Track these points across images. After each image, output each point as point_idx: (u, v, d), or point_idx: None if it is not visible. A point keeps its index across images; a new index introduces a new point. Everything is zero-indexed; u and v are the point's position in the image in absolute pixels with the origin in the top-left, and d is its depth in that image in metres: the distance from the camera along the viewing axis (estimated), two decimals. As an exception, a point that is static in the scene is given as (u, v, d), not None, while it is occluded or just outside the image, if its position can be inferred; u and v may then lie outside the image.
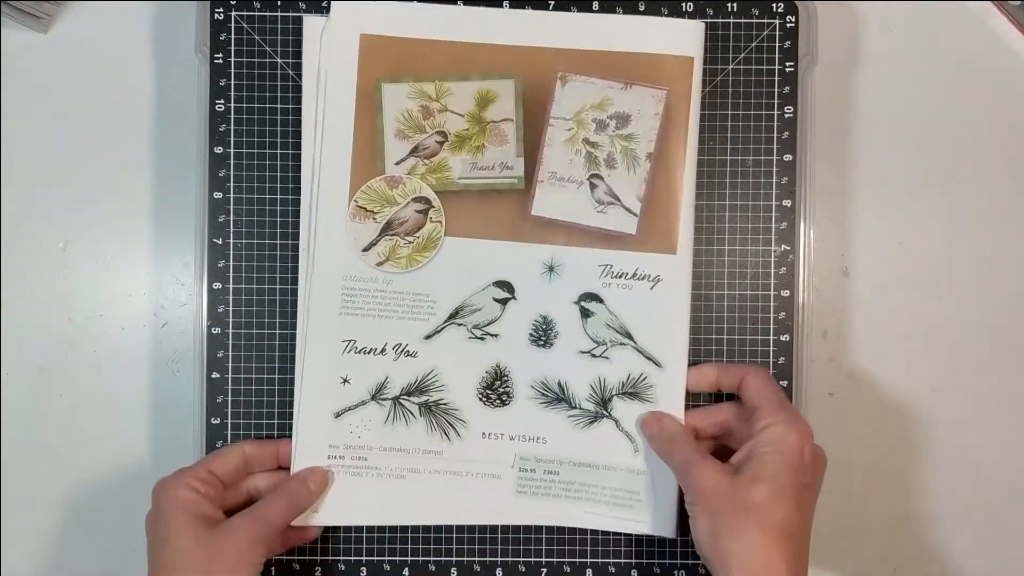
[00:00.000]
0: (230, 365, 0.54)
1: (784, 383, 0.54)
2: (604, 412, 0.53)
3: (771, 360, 0.54)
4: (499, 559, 0.54)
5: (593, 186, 0.52)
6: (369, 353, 0.53)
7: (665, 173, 0.52)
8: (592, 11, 0.53)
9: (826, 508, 0.50)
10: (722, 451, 0.52)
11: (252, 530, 0.48)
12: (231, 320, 0.54)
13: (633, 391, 0.53)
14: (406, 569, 0.54)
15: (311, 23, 0.53)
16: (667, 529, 0.53)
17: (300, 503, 0.51)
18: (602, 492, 0.53)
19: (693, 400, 0.54)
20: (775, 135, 0.54)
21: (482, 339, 0.53)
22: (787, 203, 0.54)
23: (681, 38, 0.52)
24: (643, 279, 0.52)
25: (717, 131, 0.54)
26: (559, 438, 0.53)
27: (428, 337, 0.53)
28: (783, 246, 0.54)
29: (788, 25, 0.54)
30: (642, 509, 0.53)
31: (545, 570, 0.54)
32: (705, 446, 0.52)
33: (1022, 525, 0.57)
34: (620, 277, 0.52)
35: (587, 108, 0.52)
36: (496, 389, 0.53)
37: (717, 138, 0.54)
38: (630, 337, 0.53)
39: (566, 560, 0.54)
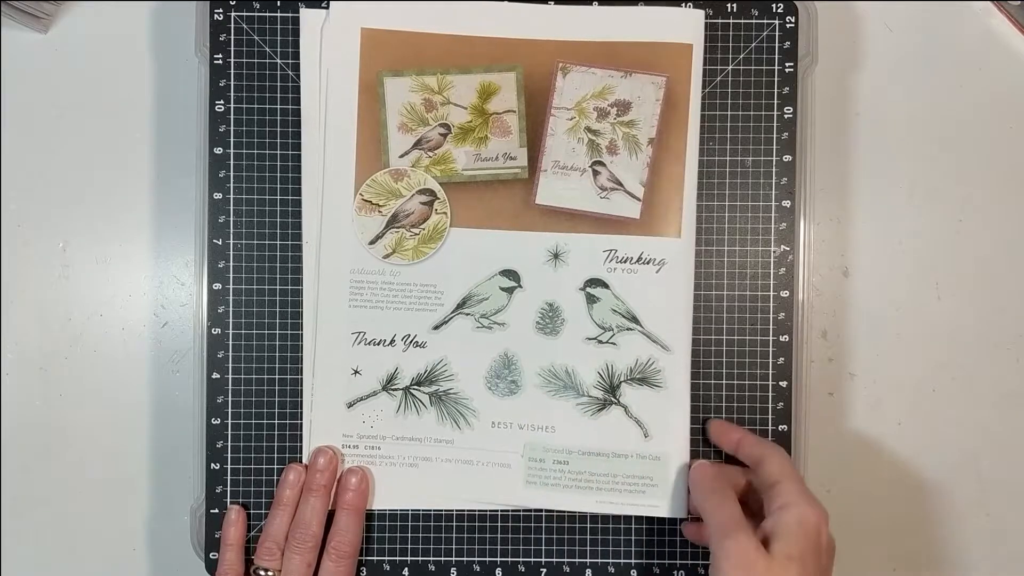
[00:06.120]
0: (230, 365, 0.54)
1: (784, 383, 0.54)
2: (613, 399, 0.53)
3: (771, 360, 0.54)
4: (498, 559, 0.54)
5: (596, 173, 0.53)
6: (379, 344, 0.53)
7: (667, 158, 0.53)
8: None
9: (827, 508, 0.50)
10: None
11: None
12: (231, 320, 0.54)
13: (642, 376, 0.53)
14: (406, 569, 0.54)
15: (308, 16, 0.53)
16: (680, 510, 0.53)
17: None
18: (614, 480, 0.53)
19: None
20: (775, 135, 0.54)
21: (490, 328, 0.53)
22: (787, 203, 0.54)
23: (680, 25, 0.53)
24: (648, 263, 0.53)
25: (717, 131, 0.54)
26: (567, 426, 0.53)
27: (436, 327, 0.53)
28: (783, 246, 0.54)
29: (788, 25, 0.54)
30: (656, 494, 0.53)
31: (544, 570, 0.54)
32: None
33: (1022, 525, 0.57)
34: (625, 262, 0.53)
35: (588, 97, 0.53)
36: (504, 378, 0.53)
37: (717, 138, 0.54)
38: (636, 321, 0.53)
39: (565, 560, 0.54)
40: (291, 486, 0.52)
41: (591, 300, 0.53)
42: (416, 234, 0.53)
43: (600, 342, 0.53)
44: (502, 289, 0.53)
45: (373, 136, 0.53)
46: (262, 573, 0.51)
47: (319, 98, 0.53)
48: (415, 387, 0.54)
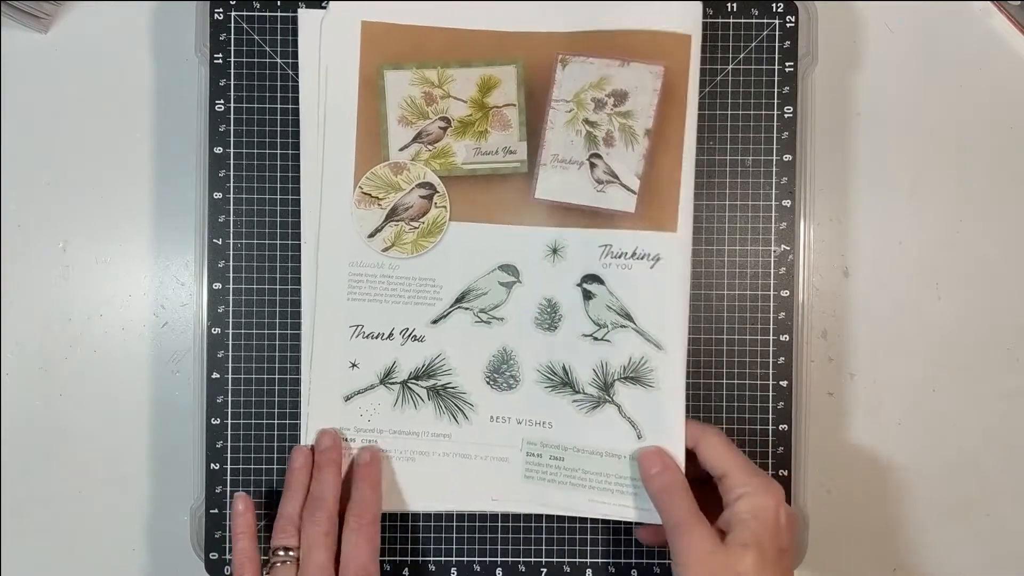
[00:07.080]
0: (230, 365, 0.54)
1: (784, 383, 0.54)
2: (607, 397, 0.53)
3: (771, 360, 0.54)
4: (499, 559, 0.54)
5: (593, 165, 0.52)
6: (377, 338, 0.53)
7: (664, 150, 0.52)
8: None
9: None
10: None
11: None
12: (231, 320, 0.54)
13: (635, 375, 0.52)
14: (406, 569, 0.54)
15: (306, 16, 0.53)
16: None
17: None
18: (606, 480, 0.53)
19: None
20: (775, 135, 0.54)
21: (488, 323, 0.53)
22: (787, 203, 0.54)
23: (679, 16, 0.52)
24: (643, 258, 0.52)
25: (717, 131, 0.54)
26: (564, 423, 0.53)
27: (435, 321, 0.53)
28: (783, 246, 0.54)
29: (788, 25, 0.54)
30: (645, 497, 0.52)
31: (545, 570, 0.54)
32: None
33: (1022, 525, 0.57)
34: (620, 257, 0.52)
35: (586, 88, 0.52)
36: (503, 373, 0.53)
37: (717, 138, 0.54)
38: (630, 319, 0.52)
39: (566, 560, 0.54)
40: (300, 469, 0.52)
41: (587, 296, 0.53)
42: (415, 228, 0.53)
43: (596, 339, 0.53)
44: (501, 284, 0.53)
45: (373, 129, 0.53)
46: (281, 553, 0.49)
47: (318, 91, 0.53)
48: (413, 381, 0.54)
